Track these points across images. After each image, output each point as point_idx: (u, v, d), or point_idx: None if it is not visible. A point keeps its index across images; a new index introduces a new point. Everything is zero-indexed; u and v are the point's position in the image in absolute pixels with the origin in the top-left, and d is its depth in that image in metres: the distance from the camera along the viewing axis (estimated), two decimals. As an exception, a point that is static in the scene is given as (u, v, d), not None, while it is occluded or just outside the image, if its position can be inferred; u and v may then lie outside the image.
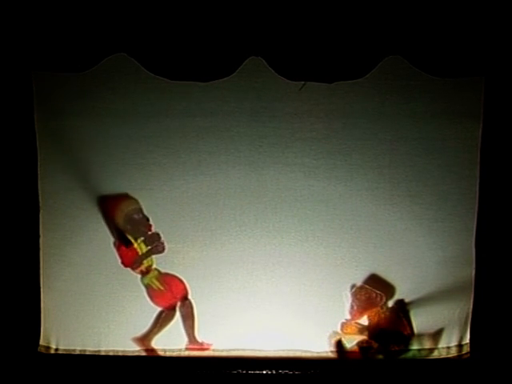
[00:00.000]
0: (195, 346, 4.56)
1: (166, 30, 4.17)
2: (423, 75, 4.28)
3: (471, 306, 4.53)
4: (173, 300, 4.58)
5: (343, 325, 4.54)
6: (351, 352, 4.55)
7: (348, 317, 4.54)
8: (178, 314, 4.58)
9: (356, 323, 4.54)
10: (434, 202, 4.49)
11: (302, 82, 4.33)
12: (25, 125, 4.39)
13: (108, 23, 4.14)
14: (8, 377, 4.36)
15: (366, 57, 4.20)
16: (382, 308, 4.53)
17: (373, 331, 4.52)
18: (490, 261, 4.47)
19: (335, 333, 4.55)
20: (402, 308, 4.53)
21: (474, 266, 4.51)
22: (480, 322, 4.50)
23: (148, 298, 4.55)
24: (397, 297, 4.54)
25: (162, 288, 4.55)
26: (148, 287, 4.55)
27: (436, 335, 4.55)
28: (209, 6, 4.14)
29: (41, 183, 4.46)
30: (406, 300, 4.53)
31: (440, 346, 4.57)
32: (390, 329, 4.53)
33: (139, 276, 4.55)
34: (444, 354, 4.57)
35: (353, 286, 4.53)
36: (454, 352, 4.58)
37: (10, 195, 4.40)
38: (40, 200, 4.46)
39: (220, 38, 4.18)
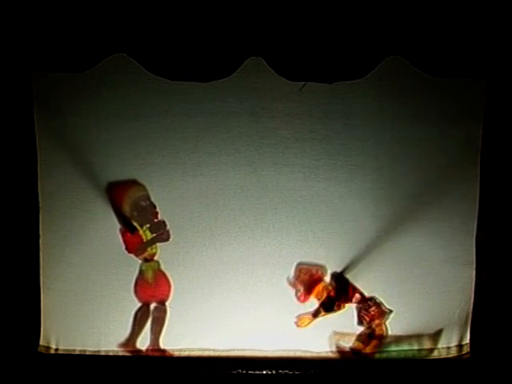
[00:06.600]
0: (156, 352, 4.56)
1: (166, 30, 4.17)
2: (423, 76, 4.28)
3: (471, 306, 4.53)
4: (150, 298, 4.56)
5: (297, 321, 4.52)
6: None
7: (297, 301, 4.51)
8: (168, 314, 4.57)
9: (307, 314, 4.52)
10: (434, 202, 4.49)
11: (302, 83, 4.33)
12: (25, 125, 4.39)
13: (108, 24, 4.14)
14: (8, 377, 4.37)
15: (366, 57, 4.20)
16: (325, 281, 4.51)
17: (325, 304, 4.51)
18: (490, 261, 4.47)
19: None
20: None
21: (474, 266, 4.51)
22: (480, 322, 4.51)
23: (132, 283, 4.52)
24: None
25: (150, 281, 4.54)
26: (141, 273, 4.53)
27: (436, 335, 4.56)
28: (209, 6, 4.14)
29: (41, 183, 4.46)
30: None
31: (440, 346, 4.57)
32: (339, 296, 4.51)
33: (140, 261, 4.55)
34: (444, 354, 4.57)
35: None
36: (453, 352, 4.58)
37: (10, 195, 4.40)
38: (40, 200, 4.46)
39: (220, 38, 4.19)
